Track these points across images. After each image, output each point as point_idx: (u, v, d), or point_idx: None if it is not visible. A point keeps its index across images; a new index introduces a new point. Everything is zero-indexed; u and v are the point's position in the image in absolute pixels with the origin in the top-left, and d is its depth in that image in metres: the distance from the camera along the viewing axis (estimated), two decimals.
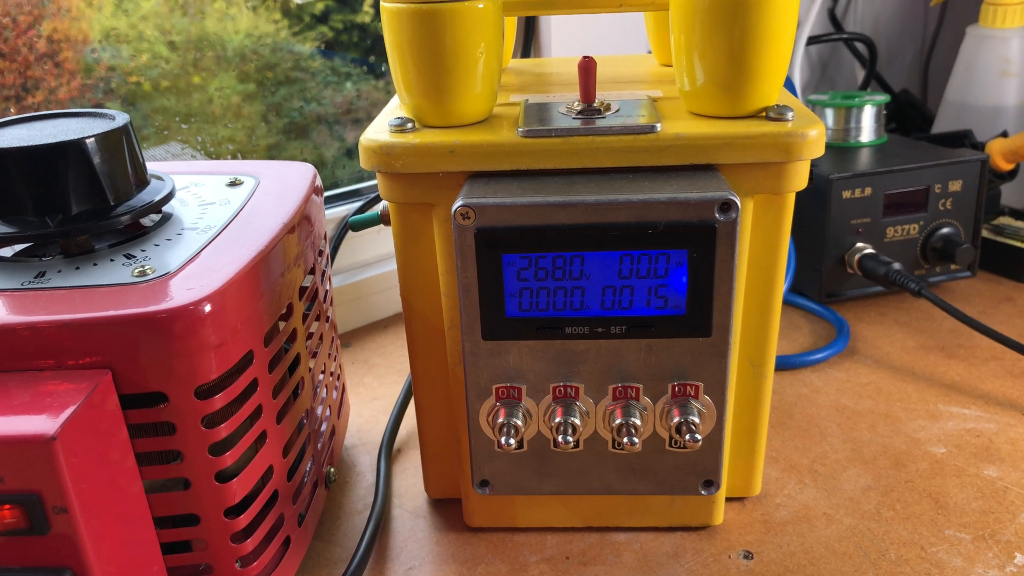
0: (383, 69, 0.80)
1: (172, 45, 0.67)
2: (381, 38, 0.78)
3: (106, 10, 0.64)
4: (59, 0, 0.61)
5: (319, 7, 0.75)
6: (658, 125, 0.38)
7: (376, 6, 0.77)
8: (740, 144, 0.37)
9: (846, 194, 0.66)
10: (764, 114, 0.38)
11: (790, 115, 0.38)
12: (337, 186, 0.77)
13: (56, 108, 0.62)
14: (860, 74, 1.00)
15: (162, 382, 0.33)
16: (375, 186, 0.77)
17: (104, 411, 0.32)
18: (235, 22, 0.70)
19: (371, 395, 0.61)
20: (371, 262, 0.73)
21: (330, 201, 0.73)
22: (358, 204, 0.70)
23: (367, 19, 0.78)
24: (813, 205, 0.67)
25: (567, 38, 0.75)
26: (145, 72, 0.66)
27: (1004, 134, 0.77)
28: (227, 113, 0.71)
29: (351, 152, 0.80)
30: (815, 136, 0.37)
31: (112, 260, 0.37)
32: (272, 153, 0.75)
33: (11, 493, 0.30)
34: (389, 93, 0.81)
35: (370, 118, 0.80)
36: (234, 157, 0.73)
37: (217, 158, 0.72)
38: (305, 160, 0.76)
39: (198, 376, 0.34)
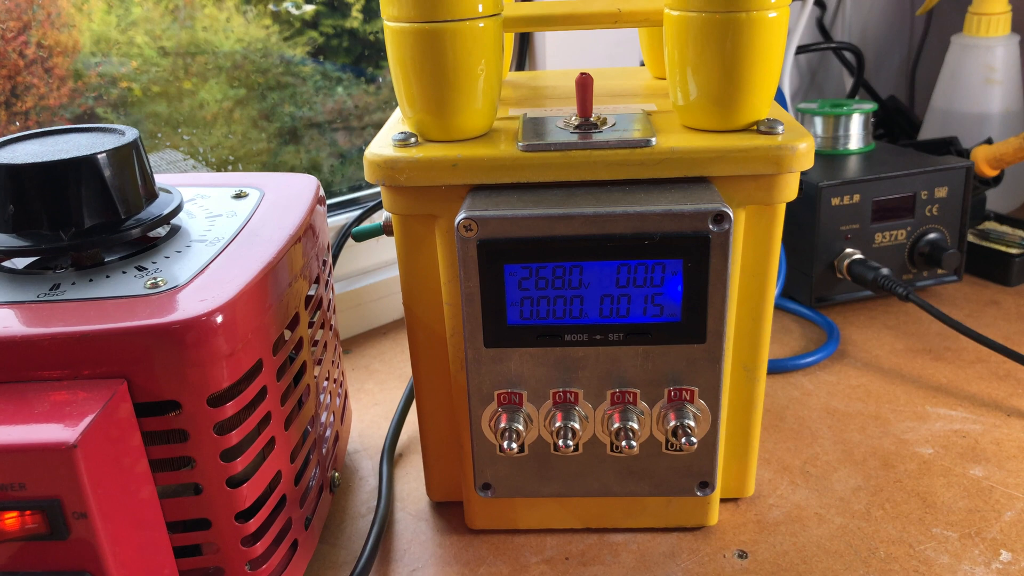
0: (373, 75, 0.81)
1: (163, 51, 0.68)
2: (371, 44, 0.80)
3: (96, 16, 0.64)
4: (49, 6, 0.62)
5: (309, 13, 0.76)
6: (653, 139, 0.39)
7: (365, 11, 0.78)
8: (732, 157, 0.38)
9: (835, 201, 0.67)
10: (755, 128, 0.40)
11: (780, 129, 0.39)
12: (331, 190, 0.78)
13: (46, 115, 0.63)
14: (848, 82, 1.02)
15: (175, 391, 0.34)
16: (372, 195, 0.78)
17: (120, 419, 0.33)
18: (225, 30, 0.71)
19: (372, 401, 0.62)
20: (370, 270, 0.75)
21: (329, 210, 0.74)
22: (356, 213, 0.71)
23: (356, 24, 0.79)
24: (803, 212, 0.68)
25: (561, 50, 0.76)
26: (136, 78, 0.67)
27: (989, 141, 0.78)
28: (218, 119, 0.72)
29: (344, 157, 0.81)
30: (804, 149, 0.39)
31: (124, 272, 0.38)
32: (265, 159, 0.76)
33: (32, 499, 0.31)
34: (380, 99, 0.82)
35: (362, 124, 0.81)
36: (227, 163, 0.74)
37: (209, 163, 0.73)
38: (298, 165, 0.78)
39: (210, 384, 0.35)
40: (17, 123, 0.63)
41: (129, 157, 0.40)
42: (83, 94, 0.65)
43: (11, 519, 0.31)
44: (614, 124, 0.41)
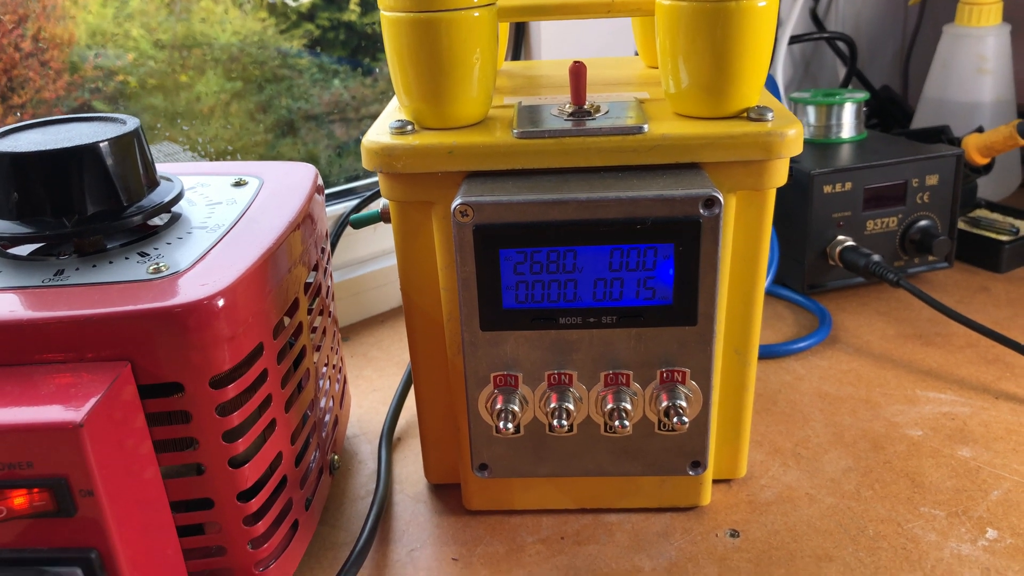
0: (370, 67, 0.82)
1: (159, 43, 0.68)
2: (367, 36, 0.80)
3: (92, 9, 0.65)
4: None
5: (306, 5, 0.76)
6: (645, 126, 0.40)
7: (362, 4, 0.79)
8: (722, 144, 0.39)
9: (827, 188, 0.68)
10: (745, 115, 0.40)
11: (770, 115, 0.40)
12: (328, 181, 0.79)
13: (42, 108, 0.64)
14: (842, 71, 1.03)
15: (178, 373, 0.35)
16: (370, 184, 0.79)
17: (124, 401, 0.34)
18: (222, 23, 0.71)
19: (370, 387, 0.63)
20: (368, 259, 0.75)
21: (327, 199, 0.74)
22: (354, 202, 0.72)
23: (353, 17, 0.80)
24: (796, 199, 0.69)
25: (556, 40, 0.77)
26: (132, 71, 0.67)
27: (980, 129, 0.79)
28: (215, 111, 0.73)
29: (341, 149, 0.82)
30: (793, 135, 0.39)
31: (127, 258, 0.39)
32: (263, 151, 0.77)
33: (40, 477, 0.32)
34: (376, 91, 0.83)
35: (359, 116, 0.82)
36: (225, 154, 0.75)
37: (208, 155, 0.73)
38: (295, 157, 0.78)
39: (212, 367, 0.36)
40: (17, 114, 0.63)
41: (131, 145, 0.41)
42: (80, 87, 0.66)
43: (20, 497, 0.32)
44: (607, 112, 0.42)
